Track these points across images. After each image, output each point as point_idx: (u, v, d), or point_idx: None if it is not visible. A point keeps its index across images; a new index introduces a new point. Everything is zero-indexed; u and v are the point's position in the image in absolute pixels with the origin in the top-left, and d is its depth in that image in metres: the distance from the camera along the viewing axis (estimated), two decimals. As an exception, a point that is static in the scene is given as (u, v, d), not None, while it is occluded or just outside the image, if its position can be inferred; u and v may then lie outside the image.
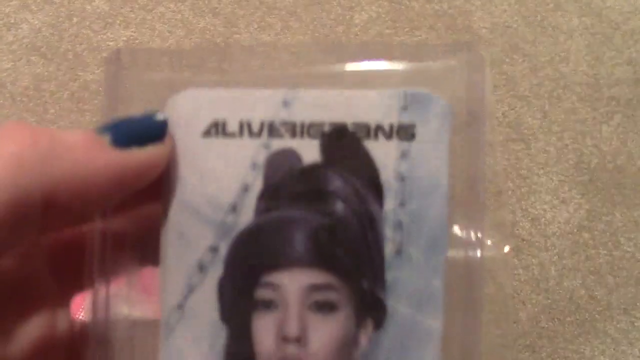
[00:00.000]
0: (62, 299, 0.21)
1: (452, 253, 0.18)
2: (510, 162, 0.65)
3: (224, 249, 0.17)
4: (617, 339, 0.59)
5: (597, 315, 0.59)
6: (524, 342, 0.57)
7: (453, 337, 0.18)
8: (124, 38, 0.68)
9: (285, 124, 0.18)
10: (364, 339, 0.18)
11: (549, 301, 0.59)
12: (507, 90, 0.68)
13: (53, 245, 0.21)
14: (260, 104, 0.18)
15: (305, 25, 0.69)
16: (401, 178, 0.18)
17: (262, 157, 0.18)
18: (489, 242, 0.19)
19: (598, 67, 0.71)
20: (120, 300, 0.19)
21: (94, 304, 0.18)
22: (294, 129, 0.18)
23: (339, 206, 0.17)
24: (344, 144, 0.18)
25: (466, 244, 0.18)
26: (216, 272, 0.18)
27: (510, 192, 0.63)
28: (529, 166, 0.65)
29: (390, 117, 0.18)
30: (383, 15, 0.70)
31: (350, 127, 0.18)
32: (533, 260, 0.61)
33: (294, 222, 0.17)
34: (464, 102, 0.18)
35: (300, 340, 0.17)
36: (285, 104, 0.18)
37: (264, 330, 0.17)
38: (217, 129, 0.18)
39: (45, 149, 0.17)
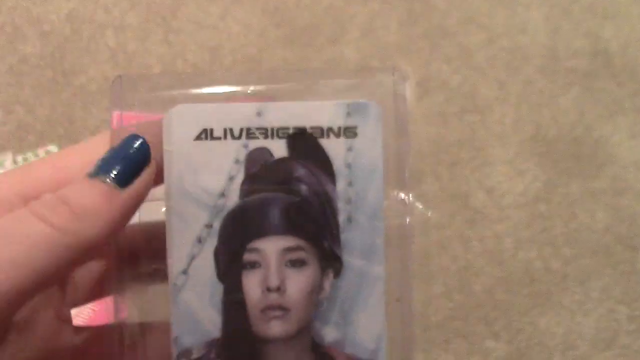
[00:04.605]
0: (63, 310, 0.25)
1: (389, 216, 0.24)
2: (465, 133, 0.64)
3: (217, 225, 0.23)
4: (572, 310, 0.58)
5: (552, 287, 0.59)
6: (478, 314, 0.57)
7: (391, 280, 0.24)
8: (66, 11, 0.66)
9: (259, 129, 0.24)
10: (327, 285, 0.24)
11: (504, 273, 0.59)
12: (462, 61, 0.68)
13: None
14: (239, 115, 0.24)
15: (256, -2, 0.68)
16: (348, 166, 0.24)
17: (242, 154, 0.24)
18: (419, 207, 0.26)
19: (556, 39, 0.71)
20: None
21: (117, 311, 0.24)
22: (266, 133, 0.24)
23: (303, 188, 0.24)
24: (304, 142, 0.24)
25: (399, 209, 0.25)
26: (212, 243, 0.23)
27: (464, 164, 0.63)
28: (485, 137, 0.64)
29: (338, 121, 0.24)
30: (336, -13, 0.69)
31: (309, 130, 0.24)
32: (488, 232, 0.60)
33: (269, 201, 0.24)
34: (392, 108, 0.25)
35: (280, 289, 0.23)
36: (259, 114, 0.24)
37: (252, 284, 0.23)
38: (206, 134, 0.23)
39: (70, 223, 0.21)
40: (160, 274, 0.24)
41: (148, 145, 0.23)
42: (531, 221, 0.62)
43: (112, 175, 0.22)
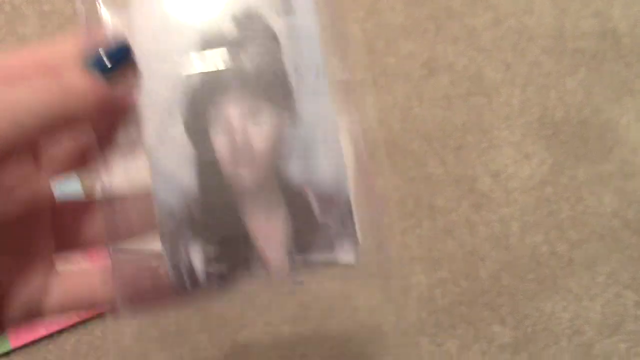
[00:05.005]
0: (40, 178, 0.28)
1: (331, 74, 0.27)
2: (471, 116, 0.63)
3: (183, 95, 0.26)
4: (578, 294, 0.58)
5: (558, 272, 0.58)
6: (484, 299, 0.56)
7: (342, 123, 0.27)
8: (66, -10, 0.65)
9: (210, 12, 0.27)
10: (286, 134, 0.26)
11: (510, 258, 0.58)
12: (468, 43, 0.67)
13: None
14: (191, 2, 0.27)
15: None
16: (289, 32, 0.27)
17: (199, 36, 0.26)
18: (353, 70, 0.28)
19: (563, 19, 0.70)
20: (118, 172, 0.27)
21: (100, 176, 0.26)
22: (216, 15, 0.27)
23: (256, 56, 0.26)
24: (250, 20, 0.27)
25: (339, 68, 0.28)
26: (180, 112, 0.26)
27: (470, 147, 0.62)
28: (491, 120, 0.63)
29: None
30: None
31: (252, 9, 0.27)
32: (494, 216, 0.59)
33: (227, 68, 0.26)
34: None
35: (245, 143, 0.26)
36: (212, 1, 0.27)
37: (220, 142, 0.26)
38: (165, 22, 0.26)
39: (54, 94, 0.24)
40: (137, 145, 0.26)
41: (131, 49, 0.26)
42: (538, 205, 0.61)
43: (101, 70, 0.25)
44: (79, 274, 0.28)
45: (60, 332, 0.52)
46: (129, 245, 0.27)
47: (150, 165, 0.26)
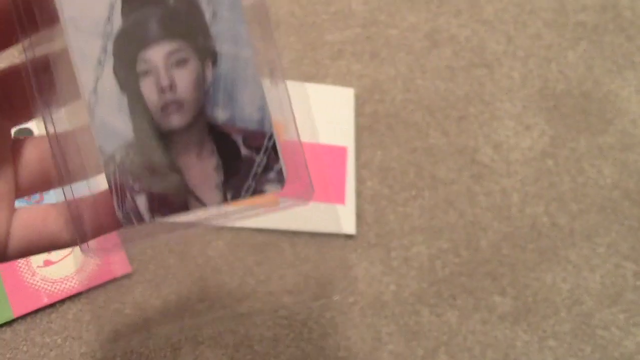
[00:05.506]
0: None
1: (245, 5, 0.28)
2: (473, 87, 0.63)
3: (110, 46, 0.27)
4: (578, 265, 0.58)
5: (559, 242, 0.58)
6: (485, 269, 0.56)
7: (261, 57, 0.28)
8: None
9: None
10: (209, 74, 0.28)
11: (511, 228, 0.58)
12: (470, 15, 0.66)
13: None
14: None
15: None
16: None
17: None
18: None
19: (565, -8, 0.69)
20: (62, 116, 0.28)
21: (46, 122, 0.28)
22: None
23: (170, 0, 0.27)
24: None
25: None
26: (110, 63, 0.27)
27: (472, 118, 0.61)
28: (492, 92, 0.63)
29: None
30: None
31: None
32: (495, 186, 0.59)
33: (146, 16, 0.27)
34: None
35: (171, 87, 0.27)
36: None
37: (148, 89, 0.27)
38: None
39: None
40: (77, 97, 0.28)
41: None
42: (538, 176, 0.61)
43: None
44: (37, 214, 0.29)
45: (62, 301, 0.52)
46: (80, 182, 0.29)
47: (89, 113, 0.27)
